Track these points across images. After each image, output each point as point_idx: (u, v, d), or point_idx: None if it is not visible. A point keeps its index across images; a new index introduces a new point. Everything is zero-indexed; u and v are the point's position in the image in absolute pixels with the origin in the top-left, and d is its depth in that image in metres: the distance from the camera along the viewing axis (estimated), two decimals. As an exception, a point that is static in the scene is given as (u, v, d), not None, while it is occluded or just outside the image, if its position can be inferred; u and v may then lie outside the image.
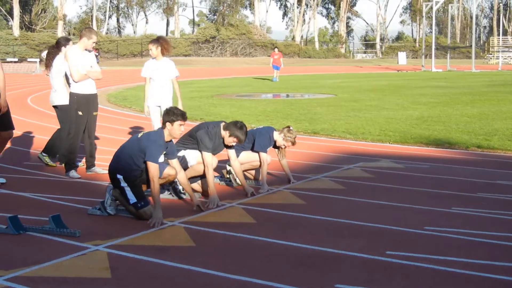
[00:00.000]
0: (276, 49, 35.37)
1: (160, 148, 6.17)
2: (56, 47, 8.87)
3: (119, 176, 6.19)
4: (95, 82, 8.50)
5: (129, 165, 6.17)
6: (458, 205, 6.71)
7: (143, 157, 6.09)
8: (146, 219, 5.96)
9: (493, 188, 7.63)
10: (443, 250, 5.15)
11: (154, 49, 8.77)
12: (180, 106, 8.52)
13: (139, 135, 6.38)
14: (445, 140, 11.27)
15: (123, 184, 6.16)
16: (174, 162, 6.43)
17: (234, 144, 7.08)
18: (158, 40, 8.87)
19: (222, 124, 7.09)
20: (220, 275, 4.57)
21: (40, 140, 11.43)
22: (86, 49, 7.88)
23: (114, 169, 6.28)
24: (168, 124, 6.24)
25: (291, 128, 7.74)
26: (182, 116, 6.29)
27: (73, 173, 8.20)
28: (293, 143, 7.68)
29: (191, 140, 7.04)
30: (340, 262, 4.90)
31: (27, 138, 11.79)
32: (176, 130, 6.27)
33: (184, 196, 7.02)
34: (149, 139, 6.18)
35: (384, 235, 5.64)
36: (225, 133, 6.97)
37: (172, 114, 6.25)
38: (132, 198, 6.10)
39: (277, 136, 7.68)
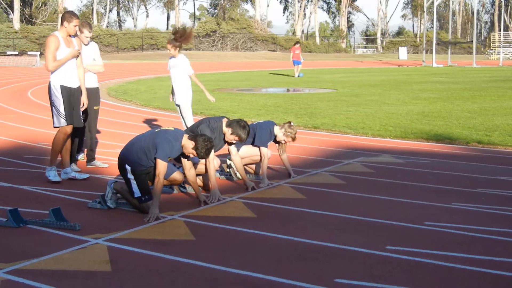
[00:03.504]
0: (297, 44, 32.96)
1: (172, 150, 6.08)
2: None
3: (127, 167, 6.17)
4: (97, 75, 8.48)
5: (139, 158, 6.12)
6: (458, 201, 6.71)
7: (155, 152, 6.03)
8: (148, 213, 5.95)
9: (494, 183, 7.63)
10: (443, 245, 5.15)
11: (173, 50, 9.03)
12: (208, 96, 9.66)
13: (157, 130, 6.34)
14: (446, 135, 11.26)
15: (130, 176, 6.15)
16: (186, 161, 6.39)
17: (235, 142, 7.07)
18: (175, 39, 8.98)
19: (224, 120, 7.07)
20: (220, 269, 4.57)
21: (40, 133, 11.42)
22: (69, 35, 7.47)
23: (124, 158, 6.24)
24: (191, 141, 6.09)
25: (292, 123, 7.72)
26: (201, 155, 6.14)
27: (73, 166, 8.18)
28: (294, 139, 7.67)
29: (193, 135, 7.02)
30: (340, 256, 4.90)
31: (27, 131, 11.78)
32: (189, 151, 6.15)
33: (185, 190, 7.02)
34: (165, 137, 6.10)
35: (384, 230, 5.64)
36: (227, 130, 6.96)
37: (199, 143, 6.05)
38: (137, 192, 6.09)
39: (278, 131, 7.66)
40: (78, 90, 7.63)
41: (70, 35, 7.46)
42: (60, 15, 67.29)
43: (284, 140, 7.66)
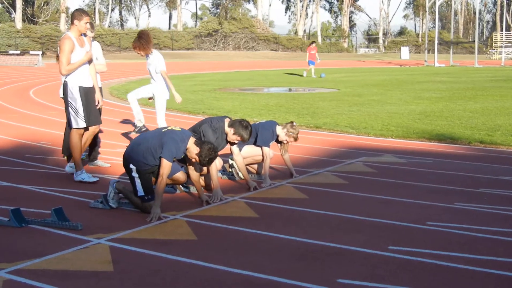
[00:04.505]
0: (313, 44, 32.77)
1: (178, 150, 6.06)
2: None
3: (132, 166, 6.15)
4: (100, 74, 8.47)
5: (145, 158, 6.09)
6: (460, 201, 6.70)
7: (160, 151, 6.02)
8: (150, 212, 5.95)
9: (496, 183, 7.62)
10: (446, 246, 5.14)
11: (142, 52, 9.15)
12: (175, 95, 9.42)
13: (164, 129, 6.32)
14: (448, 135, 11.25)
15: (134, 174, 6.13)
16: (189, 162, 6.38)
17: (237, 142, 7.07)
18: (136, 41, 9.06)
19: (226, 120, 7.07)
20: (222, 269, 4.56)
21: (42, 133, 11.43)
22: (82, 33, 7.46)
23: (129, 157, 6.22)
24: (196, 146, 6.09)
25: (294, 123, 7.71)
26: (203, 163, 6.14)
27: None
28: (296, 139, 7.66)
29: (195, 134, 7.02)
30: (342, 256, 4.90)
31: (29, 131, 11.78)
32: (192, 155, 6.14)
33: (187, 190, 7.02)
34: (172, 137, 6.08)
35: (386, 230, 5.63)
36: (229, 130, 6.95)
37: (204, 151, 6.04)
38: (140, 191, 6.09)
39: (280, 131, 7.66)
40: (93, 89, 7.62)
41: (81, 34, 7.43)
42: (62, 14, 67.47)
43: (286, 140, 7.66)
